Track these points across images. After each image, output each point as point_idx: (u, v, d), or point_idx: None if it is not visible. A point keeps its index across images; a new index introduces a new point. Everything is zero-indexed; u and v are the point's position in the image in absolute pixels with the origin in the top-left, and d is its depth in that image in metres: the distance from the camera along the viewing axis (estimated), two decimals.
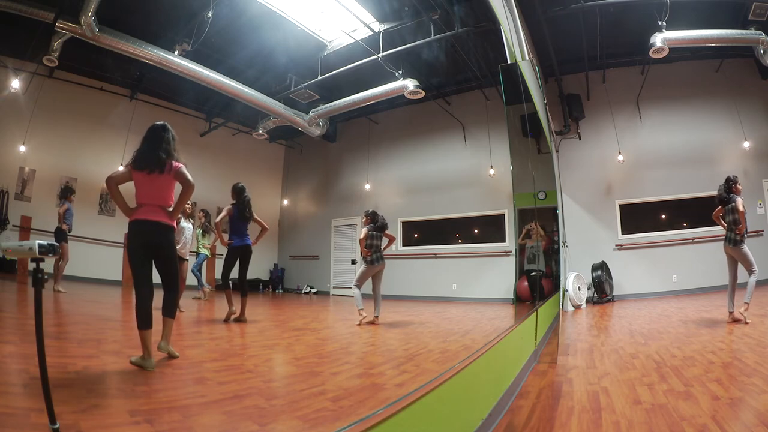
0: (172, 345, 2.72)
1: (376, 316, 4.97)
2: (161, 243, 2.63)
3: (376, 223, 5.15)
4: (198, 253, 6.30)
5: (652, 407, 2.23)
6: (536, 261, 7.68)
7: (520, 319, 3.97)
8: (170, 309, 2.69)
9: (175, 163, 2.69)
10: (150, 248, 2.60)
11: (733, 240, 4.64)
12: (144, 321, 2.46)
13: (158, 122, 2.76)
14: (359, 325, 4.78)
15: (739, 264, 4.72)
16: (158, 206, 2.62)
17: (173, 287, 2.71)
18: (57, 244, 1.24)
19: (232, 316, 4.61)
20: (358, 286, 5.10)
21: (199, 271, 6.32)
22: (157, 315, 2.56)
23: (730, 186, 4.72)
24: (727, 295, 4.80)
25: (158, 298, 2.62)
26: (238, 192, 4.75)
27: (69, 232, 5.17)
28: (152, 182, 2.62)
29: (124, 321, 4.13)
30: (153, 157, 2.62)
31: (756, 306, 5.09)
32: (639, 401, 2.36)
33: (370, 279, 5.17)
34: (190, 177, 2.70)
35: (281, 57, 7.43)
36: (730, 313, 4.72)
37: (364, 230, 5.12)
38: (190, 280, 5.93)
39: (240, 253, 4.77)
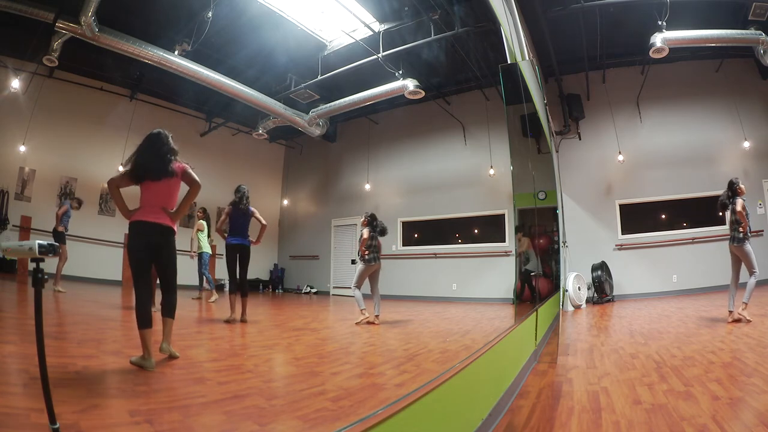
0: (173, 345, 2.72)
1: (377, 316, 4.99)
2: (162, 244, 2.64)
3: (375, 229, 5.20)
4: (201, 253, 6.29)
5: (652, 407, 2.23)
6: (531, 264, 7.65)
7: (520, 319, 3.96)
8: (170, 310, 2.70)
9: (179, 164, 2.70)
10: (151, 249, 2.61)
11: (737, 238, 4.69)
12: (144, 321, 2.47)
13: (152, 131, 2.74)
14: (358, 324, 4.79)
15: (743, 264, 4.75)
16: (160, 207, 2.63)
17: (172, 289, 2.72)
18: (57, 244, 1.24)
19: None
20: (358, 286, 5.14)
21: (207, 270, 6.32)
22: (156, 316, 2.57)
23: (734, 189, 4.75)
24: (728, 294, 4.82)
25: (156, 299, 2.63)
26: (235, 191, 4.82)
27: (65, 232, 5.18)
28: (159, 187, 2.63)
29: (124, 321, 4.13)
30: (158, 164, 2.63)
31: (756, 306, 5.10)
32: (639, 401, 2.36)
33: (367, 280, 5.20)
34: (196, 177, 2.74)
35: (281, 57, 7.43)
36: (730, 312, 4.73)
37: (366, 230, 5.18)
38: (187, 279, 5.92)
39: (239, 251, 4.79)
